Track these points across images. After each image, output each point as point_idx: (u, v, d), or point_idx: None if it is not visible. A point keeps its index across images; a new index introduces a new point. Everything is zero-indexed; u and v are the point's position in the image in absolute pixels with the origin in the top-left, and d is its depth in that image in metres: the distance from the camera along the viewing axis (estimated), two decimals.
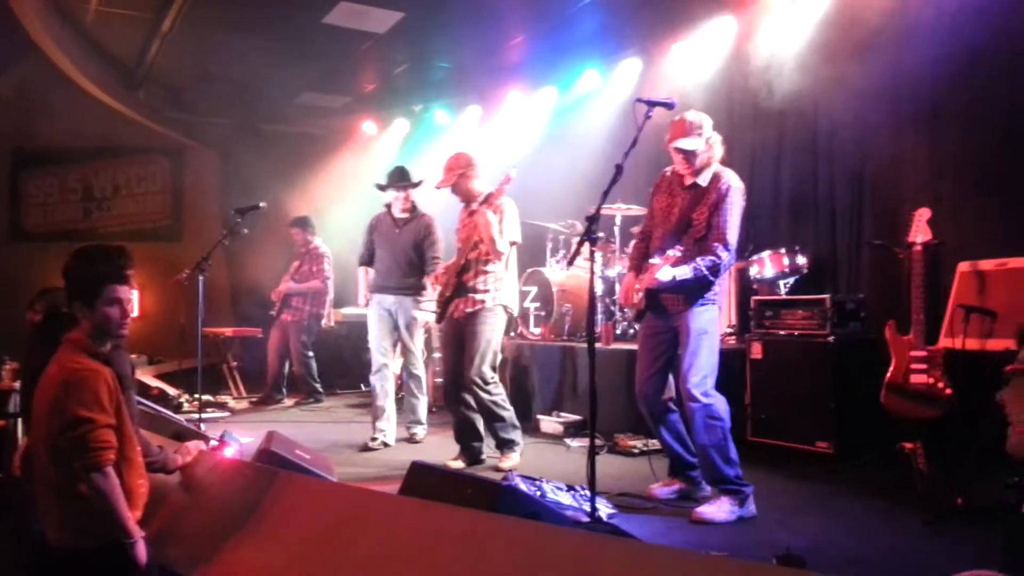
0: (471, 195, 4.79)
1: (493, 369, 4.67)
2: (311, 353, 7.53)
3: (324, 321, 7.56)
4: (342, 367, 8.47)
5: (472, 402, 4.71)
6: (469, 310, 4.65)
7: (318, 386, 7.57)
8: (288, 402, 7.51)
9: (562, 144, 7.61)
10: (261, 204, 6.07)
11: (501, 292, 4.69)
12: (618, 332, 6.06)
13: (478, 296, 4.65)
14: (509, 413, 4.69)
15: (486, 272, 4.66)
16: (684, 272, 3.54)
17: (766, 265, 5.31)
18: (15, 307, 6.35)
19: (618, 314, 6.17)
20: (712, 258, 3.58)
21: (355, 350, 8.21)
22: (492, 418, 4.65)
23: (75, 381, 2.37)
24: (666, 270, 3.52)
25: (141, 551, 2.41)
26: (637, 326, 5.67)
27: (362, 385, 8.16)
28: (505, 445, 4.66)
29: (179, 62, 8.07)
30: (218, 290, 9.39)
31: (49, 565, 2.43)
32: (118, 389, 2.46)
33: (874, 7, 5.20)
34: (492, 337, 4.66)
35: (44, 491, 2.43)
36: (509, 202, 4.73)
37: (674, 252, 3.52)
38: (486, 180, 4.86)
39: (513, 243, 4.69)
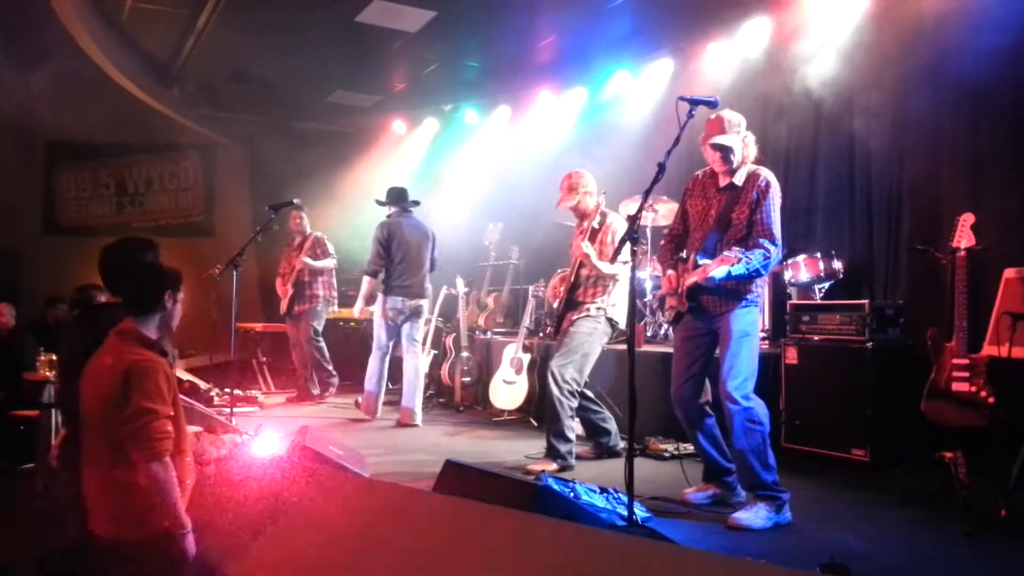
0: (588, 213, 4.79)
1: (579, 374, 4.62)
2: (320, 339, 7.38)
3: (356, 310, 7.17)
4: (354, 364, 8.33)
5: (584, 402, 4.80)
6: (575, 317, 4.71)
7: (331, 368, 7.41)
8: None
9: (592, 145, 7.55)
10: (295, 200, 6.10)
11: (609, 304, 4.72)
12: (649, 334, 6.01)
13: (586, 305, 4.70)
14: (568, 425, 4.59)
15: (596, 288, 4.71)
16: (738, 269, 3.48)
17: (801, 269, 5.24)
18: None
19: (648, 316, 6.12)
20: (762, 251, 3.52)
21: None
22: (552, 418, 4.60)
23: (137, 372, 2.38)
24: (721, 268, 3.46)
25: (191, 542, 2.43)
26: (669, 328, 5.67)
27: (389, 383, 8.16)
28: (549, 451, 4.61)
29: (213, 59, 8.13)
30: (248, 286, 9.45)
31: (93, 555, 2.44)
32: (175, 380, 2.48)
33: (912, 8, 5.11)
34: (587, 341, 4.63)
35: (93, 481, 2.43)
36: (618, 219, 4.77)
37: (733, 254, 3.46)
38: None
39: (625, 262, 4.54)
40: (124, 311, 2.55)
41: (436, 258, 6.56)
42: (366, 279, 6.32)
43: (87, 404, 2.44)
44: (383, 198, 6.49)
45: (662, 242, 4.08)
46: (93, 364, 2.45)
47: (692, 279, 3.63)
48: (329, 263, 7.39)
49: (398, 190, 6.51)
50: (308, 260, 7.24)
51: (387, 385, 7.11)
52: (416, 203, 6.51)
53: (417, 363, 6.28)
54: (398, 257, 6.20)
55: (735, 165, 3.68)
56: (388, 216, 6.39)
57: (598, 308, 4.68)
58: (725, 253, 3.50)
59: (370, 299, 6.54)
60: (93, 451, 2.43)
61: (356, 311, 6.67)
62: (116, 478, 2.39)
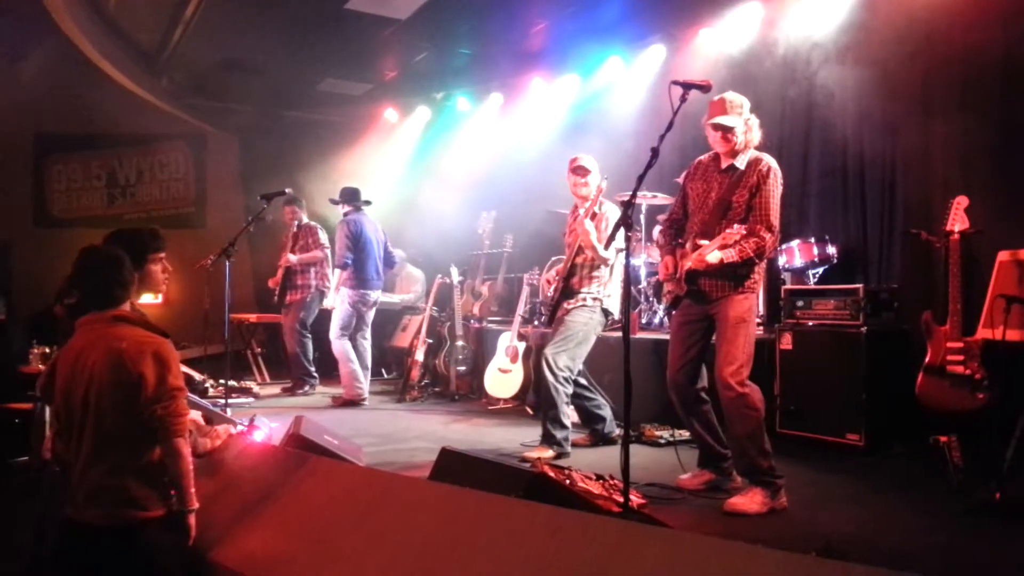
0: (589, 196, 4.77)
1: (572, 362, 4.60)
2: (308, 333, 7.29)
3: (328, 300, 7.08)
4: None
5: (578, 390, 4.79)
6: (570, 306, 4.69)
7: (312, 368, 7.30)
8: (275, 389, 7.37)
9: (585, 132, 7.53)
10: (287, 190, 6.09)
11: (604, 295, 4.71)
12: (644, 321, 6.01)
13: (581, 294, 4.68)
14: (564, 412, 4.59)
15: (592, 277, 4.70)
16: (731, 255, 3.49)
17: (795, 254, 5.25)
18: (40, 292, 6.40)
19: (643, 303, 6.11)
20: (756, 239, 3.52)
21: (376, 337, 8.19)
22: (547, 405, 4.61)
23: (164, 353, 2.47)
24: (715, 253, 3.47)
25: (193, 521, 2.49)
26: (663, 315, 5.66)
27: (383, 371, 8.18)
28: (545, 438, 4.62)
29: (201, 48, 8.05)
30: (241, 276, 9.42)
31: (88, 545, 2.43)
32: None
33: None
34: (583, 331, 4.62)
35: (101, 468, 2.43)
36: (613, 208, 4.74)
37: (733, 231, 3.44)
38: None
39: (620, 250, 4.55)
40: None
41: (391, 253, 7.16)
42: (338, 271, 6.76)
43: (96, 392, 2.42)
44: (364, 190, 6.96)
45: (661, 228, 4.07)
46: (100, 351, 2.43)
47: (689, 263, 3.63)
48: (317, 254, 7.29)
49: (353, 190, 6.92)
50: (292, 257, 7.25)
51: (383, 374, 7.17)
52: (368, 203, 6.98)
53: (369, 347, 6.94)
54: (365, 252, 6.66)
55: (737, 147, 3.67)
56: (345, 215, 6.81)
57: (594, 298, 4.67)
58: (727, 231, 3.48)
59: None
60: (103, 438, 2.42)
61: (327, 303, 7.00)
62: (130, 462, 2.42)
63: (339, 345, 6.64)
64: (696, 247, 3.61)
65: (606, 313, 4.73)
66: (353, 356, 6.66)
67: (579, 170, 4.74)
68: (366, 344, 6.86)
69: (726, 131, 3.64)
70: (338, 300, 6.73)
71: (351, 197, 6.86)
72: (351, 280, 6.66)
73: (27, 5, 6.71)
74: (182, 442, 2.47)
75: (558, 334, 4.64)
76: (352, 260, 6.62)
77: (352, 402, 6.58)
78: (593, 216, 4.68)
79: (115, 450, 2.43)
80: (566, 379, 4.57)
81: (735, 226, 3.48)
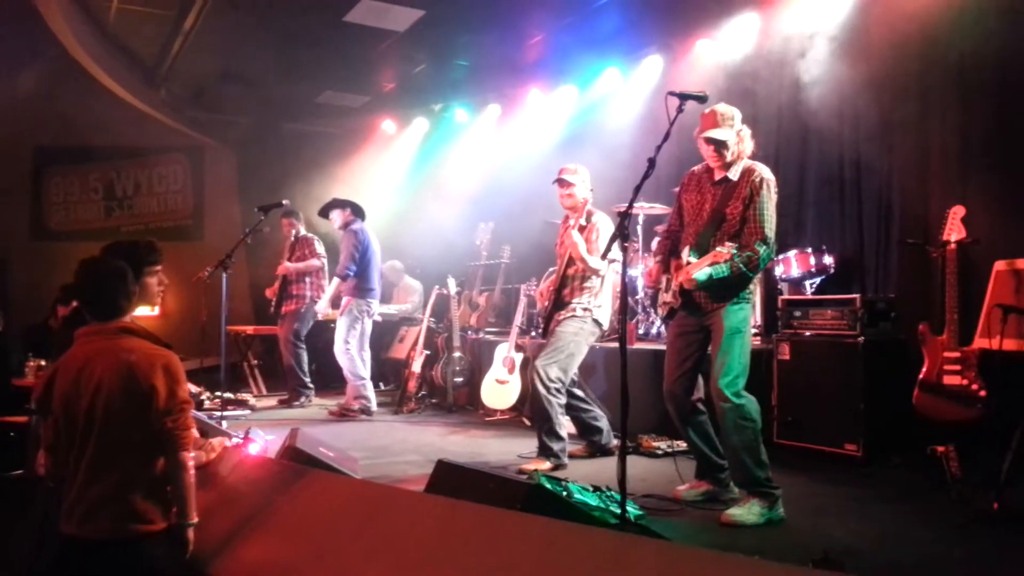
0: (577, 207, 4.77)
1: (563, 373, 4.59)
2: (303, 344, 7.22)
3: (320, 306, 7.01)
4: None
5: (575, 402, 4.80)
6: (561, 317, 4.69)
7: (307, 379, 7.23)
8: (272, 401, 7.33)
9: (582, 143, 7.56)
10: (284, 201, 6.11)
11: (595, 305, 4.70)
12: (641, 332, 6.00)
13: (572, 305, 4.68)
14: (559, 423, 4.58)
15: (583, 288, 4.69)
16: (721, 270, 3.49)
17: (792, 265, 5.26)
18: (37, 305, 6.41)
19: (640, 314, 6.11)
20: (749, 253, 3.52)
21: (373, 348, 8.18)
22: (541, 418, 4.59)
23: (172, 366, 2.46)
24: (704, 270, 3.47)
25: (192, 535, 2.47)
26: (661, 326, 5.66)
27: (380, 383, 8.15)
28: (541, 450, 4.61)
29: (200, 61, 8.10)
30: (238, 288, 9.41)
31: (87, 559, 2.41)
32: None
33: (901, 3, 5.12)
34: (573, 341, 4.61)
35: (106, 482, 2.40)
36: (604, 218, 4.74)
37: (725, 249, 3.44)
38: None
39: (611, 260, 4.58)
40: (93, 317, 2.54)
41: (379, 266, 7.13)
42: (336, 280, 6.66)
43: (105, 402, 2.39)
44: (361, 202, 6.93)
45: (659, 239, 4.08)
46: (107, 363, 2.41)
47: (679, 280, 3.63)
48: (314, 263, 7.26)
49: (353, 201, 6.92)
50: (288, 264, 7.24)
51: (380, 385, 7.10)
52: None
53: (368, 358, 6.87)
54: (371, 263, 6.66)
55: (729, 159, 3.67)
56: (348, 224, 6.76)
57: (584, 308, 4.66)
58: (717, 249, 3.49)
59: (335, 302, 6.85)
60: (108, 450, 2.40)
61: (319, 308, 6.93)
62: (135, 475, 2.41)
63: (347, 360, 6.51)
64: (690, 261, 3.62)
65: (597, 323, 4.72)
66: (362, 370, 6.56)
67: (561, 182, 4.74)
68: (366, 356, 6.82)
69: (719, 145, 3.64)
70: (342, 311, 6.63)
71: (355, 206, 6.83)
72: (354, 289, 6.59)
73: (26, 18, 6.73)
74: (187, 455, 2.46)
75: (549, 345, 4.64)
76: (356, 270, 6.57)
77: (353, 412, 6.53)
78: (582, 229, 4.68)
79: (120, 463, 2.41)
80: (558, 390, 4.56)
81: (726, 244, 3.48)
